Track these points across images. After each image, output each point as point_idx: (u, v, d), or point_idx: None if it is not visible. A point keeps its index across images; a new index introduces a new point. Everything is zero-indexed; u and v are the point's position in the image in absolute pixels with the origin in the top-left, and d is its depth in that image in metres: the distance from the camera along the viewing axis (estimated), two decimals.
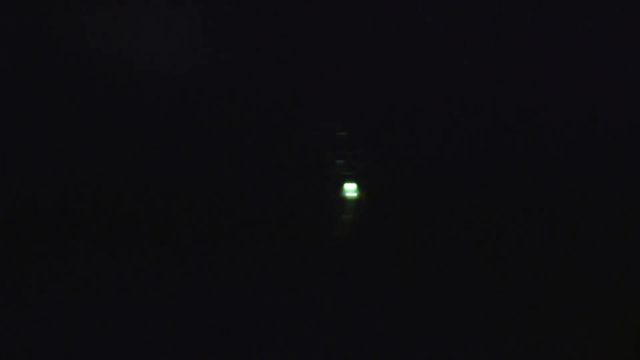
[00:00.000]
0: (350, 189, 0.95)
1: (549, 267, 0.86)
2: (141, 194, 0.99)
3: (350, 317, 0.82)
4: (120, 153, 1.00)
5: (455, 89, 0.97)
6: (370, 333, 0.82)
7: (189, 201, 0.99)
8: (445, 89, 0.97)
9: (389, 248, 0.89)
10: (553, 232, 0.90)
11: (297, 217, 0.93)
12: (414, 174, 0.93)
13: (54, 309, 0.87)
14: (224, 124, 0.99)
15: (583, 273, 0.84)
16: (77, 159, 1.00)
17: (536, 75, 0.96)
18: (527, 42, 0.94)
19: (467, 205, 0.92)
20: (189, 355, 0.80)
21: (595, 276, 0.83)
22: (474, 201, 0.92)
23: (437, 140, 0.94)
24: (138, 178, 0.99)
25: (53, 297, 0.89)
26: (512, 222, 0.92)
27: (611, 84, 0.93)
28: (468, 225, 0.91)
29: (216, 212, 0.98)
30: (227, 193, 0.99)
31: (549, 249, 0.88)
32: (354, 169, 0.95)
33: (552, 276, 0.85)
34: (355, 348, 0.81)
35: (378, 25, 0.95)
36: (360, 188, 0.95)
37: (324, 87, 0.97)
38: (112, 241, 0.95)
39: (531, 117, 0.97)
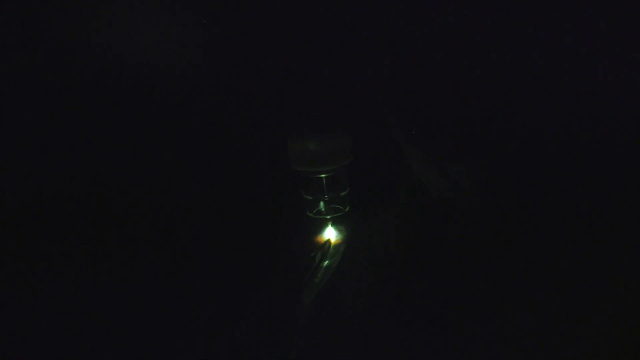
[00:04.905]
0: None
1: (548, 267, 0.87)
2: (140, 193, 1.00)
3: None
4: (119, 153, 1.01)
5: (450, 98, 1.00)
6: None
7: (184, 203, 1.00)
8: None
9: None
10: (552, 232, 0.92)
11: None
12: None
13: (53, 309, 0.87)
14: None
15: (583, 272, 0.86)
16: (76, 159, 1.00)
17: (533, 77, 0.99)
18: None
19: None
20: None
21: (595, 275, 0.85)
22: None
23: None
24: (137, 178, 1.00)
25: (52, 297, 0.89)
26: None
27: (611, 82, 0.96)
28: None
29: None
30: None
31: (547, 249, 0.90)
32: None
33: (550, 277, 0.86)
34: None
35: None
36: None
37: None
38: (111, 241, 0.96)
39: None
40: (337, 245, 0.88)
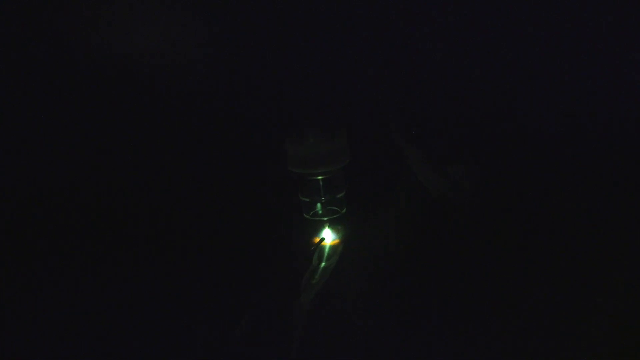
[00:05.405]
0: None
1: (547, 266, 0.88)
2: (138, 193, 1.01)
3: None
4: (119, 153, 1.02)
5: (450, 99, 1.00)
6: None
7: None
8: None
9: None
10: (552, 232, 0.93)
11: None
12: None
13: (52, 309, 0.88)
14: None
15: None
16: (76, 159, 1.01)
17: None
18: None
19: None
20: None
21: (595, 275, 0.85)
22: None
23: None
24: (135, 178, 1.01)
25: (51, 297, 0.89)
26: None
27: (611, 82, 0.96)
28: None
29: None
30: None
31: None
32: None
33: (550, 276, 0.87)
34: None
35: None
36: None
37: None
38: (110, 241, 0.97)
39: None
40: (334, 247, 0.88)
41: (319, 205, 0.90)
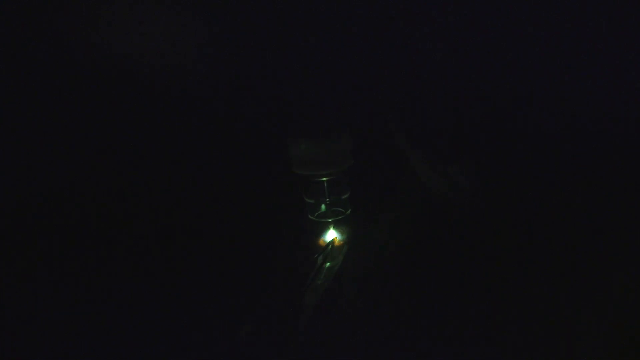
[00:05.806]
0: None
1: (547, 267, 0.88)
2: (139, 197, 1.01)
3: None
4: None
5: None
6: None
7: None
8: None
9: None
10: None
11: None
12: None
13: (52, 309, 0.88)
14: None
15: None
16: (76, 159, 1.01)
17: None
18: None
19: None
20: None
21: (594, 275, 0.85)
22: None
23: None
24: (136, 180, 1.01)
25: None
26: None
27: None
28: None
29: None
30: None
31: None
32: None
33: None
34: None
35: None
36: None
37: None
38: (111, 243, 0.97)
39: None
40: (339, 248, 0.89)
41: (323, 206, 0.90)
